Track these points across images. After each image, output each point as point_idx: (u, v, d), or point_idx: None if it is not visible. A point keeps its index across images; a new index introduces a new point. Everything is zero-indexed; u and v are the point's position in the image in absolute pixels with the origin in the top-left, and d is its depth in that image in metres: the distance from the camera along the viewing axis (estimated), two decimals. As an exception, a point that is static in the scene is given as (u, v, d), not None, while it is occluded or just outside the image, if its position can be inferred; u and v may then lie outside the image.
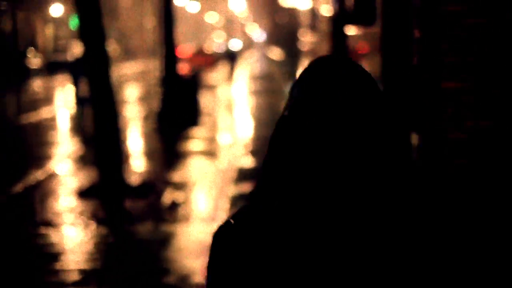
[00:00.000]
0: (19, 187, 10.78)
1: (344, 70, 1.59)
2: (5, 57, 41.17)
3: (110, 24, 71.81)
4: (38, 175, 11.64)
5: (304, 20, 20.67)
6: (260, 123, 18.20)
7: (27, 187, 10.78)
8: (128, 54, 74.23)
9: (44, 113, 21.60)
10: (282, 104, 23.21)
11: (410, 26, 6.60)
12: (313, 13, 17.82)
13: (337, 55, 1.64)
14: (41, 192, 10.39)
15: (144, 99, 26.32)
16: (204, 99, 22.94)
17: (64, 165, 12.48)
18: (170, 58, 16.77)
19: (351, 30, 10.93)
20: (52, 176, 11.59)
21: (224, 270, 1.58)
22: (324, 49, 14.52)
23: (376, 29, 9.26)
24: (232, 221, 1.60)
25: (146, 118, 19.58)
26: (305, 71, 1.62)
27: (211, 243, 1.63)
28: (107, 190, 10.04)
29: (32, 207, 9.59)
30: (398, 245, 1.51)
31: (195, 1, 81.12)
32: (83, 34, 10.06)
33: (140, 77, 43.28)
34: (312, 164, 1.52)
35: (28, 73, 40.74)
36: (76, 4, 10.05)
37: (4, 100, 26.60)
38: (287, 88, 30.12)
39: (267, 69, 42.56)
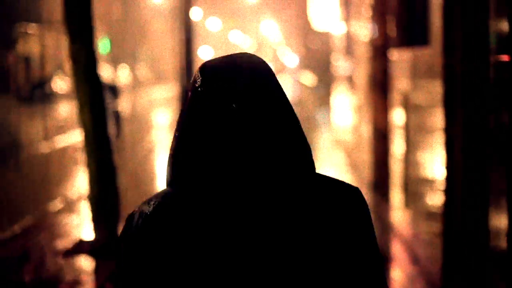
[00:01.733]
0: None
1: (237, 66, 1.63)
2: (32, 81, 40.05)
3: (141, 48, 70.77)
4: None
5: (338, 44, 19.15)
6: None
7: None
8: (160, 78, 73.05)
9: (59, 142, 20.04)
10: (313, 132, 21.68)
11: (486, 48, 4.85)
12: (348, 37, 16.22)
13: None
14: None
15: (172, 126, 24.66)
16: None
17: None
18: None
19: (394, 55, 9.16)
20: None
21: (132, 255, 1.59)
22: (361, 74, 12.79)
23: (424, 51, 7.53)
24: (144, 206, 1.64)
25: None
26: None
27: (124, 225, 1.65)
28: None
29: None
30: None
31: (226, 24, 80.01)
32: (73, 59, 8.26)
33: (170, 102, 41.73)
34: (215, 153, 1.56)
35: (54, 98, 39.41)
36: (67, 29, 8.21)
37: (21, 125, 25.11)
38: (319, 115, 28.52)
39: (299, 95, 41.22)
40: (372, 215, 1.81)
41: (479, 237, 5.23)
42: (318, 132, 21.36)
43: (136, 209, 1.65)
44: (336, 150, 16.89)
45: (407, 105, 8.09)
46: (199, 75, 1.65)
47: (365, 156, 11.98)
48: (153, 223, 1.59)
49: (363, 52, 12.65)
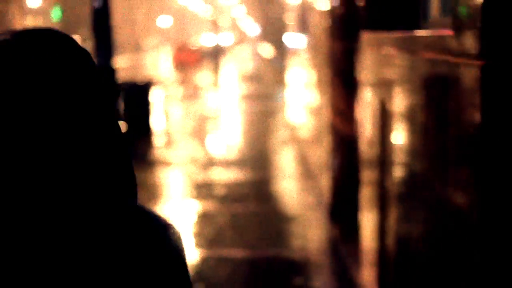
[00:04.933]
0: None
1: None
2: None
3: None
4: None
5: (293, 15, 16.52)
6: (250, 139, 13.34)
7: None
8: (116, 47, 69.46)
9: None
10: (268, 118, 18.66)
11: None
12: (303, 7, 13.42)
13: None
14: None
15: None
16: (163, 117, 18.15)
17: None
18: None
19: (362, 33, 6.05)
20: None
21: None
22: (316, 52, 9.89)
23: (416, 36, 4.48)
24: None
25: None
26: None
27: None
28: None
29: None
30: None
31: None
32: None
33: (130, 73, 38.44)
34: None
35: None
36: None
37: None
38: (275, 95, 25.56)
39: (257, 68, 38.24)
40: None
41: None
42: (272, 120, 18.30)
43: None
44: (289, 148, 13.73)
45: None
46: None
47: (324, 158, 8.93)
48: None
49: (318, 25, 9.64)
